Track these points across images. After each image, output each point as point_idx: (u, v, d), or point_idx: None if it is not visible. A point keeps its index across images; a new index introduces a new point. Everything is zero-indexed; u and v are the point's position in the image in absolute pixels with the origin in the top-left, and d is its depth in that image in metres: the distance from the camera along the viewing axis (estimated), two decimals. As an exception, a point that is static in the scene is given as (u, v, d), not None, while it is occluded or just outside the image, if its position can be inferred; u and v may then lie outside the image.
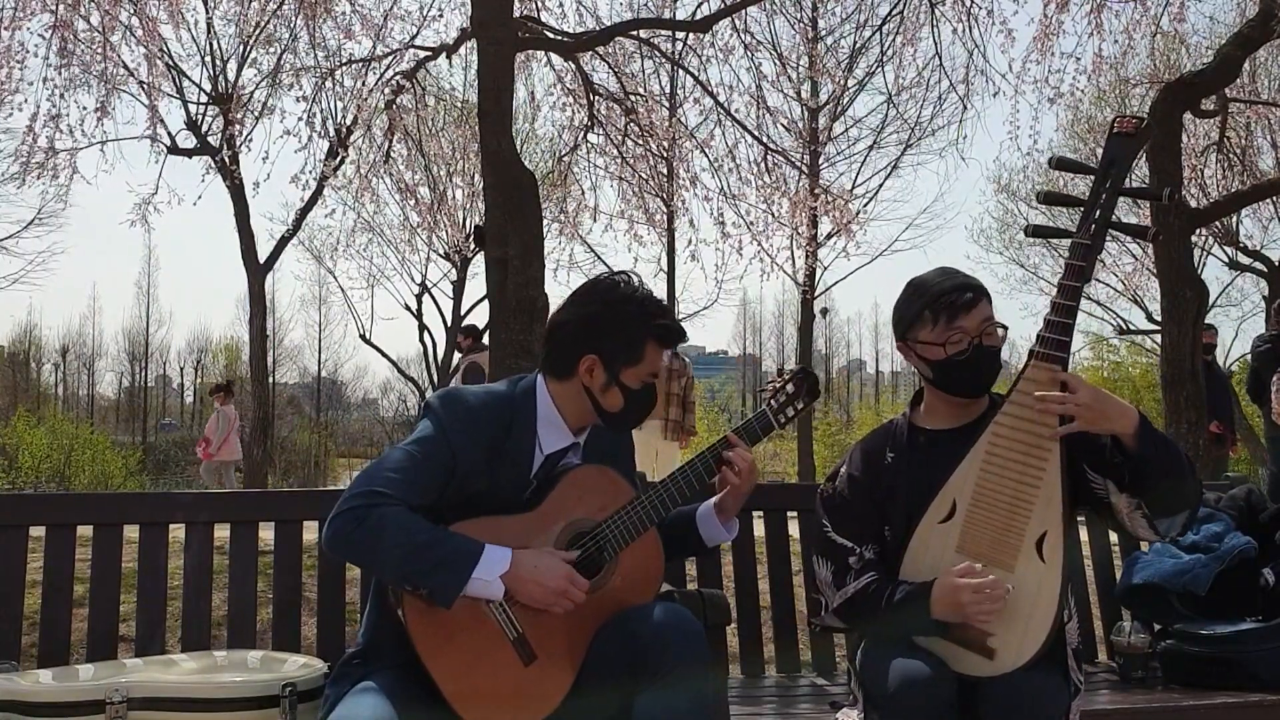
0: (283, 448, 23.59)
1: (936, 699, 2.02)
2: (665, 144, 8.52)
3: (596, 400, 2.13)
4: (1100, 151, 2.22)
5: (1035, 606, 2.09)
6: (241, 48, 13.66)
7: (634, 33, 7.87)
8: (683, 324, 2.25)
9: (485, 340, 9.65)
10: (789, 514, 3.18)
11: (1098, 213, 2.14)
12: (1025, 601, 2.09)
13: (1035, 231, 2.30)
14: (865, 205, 18.21)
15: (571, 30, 8.11)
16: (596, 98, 8.06)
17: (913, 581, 2.17)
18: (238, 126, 9.95)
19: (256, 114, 10.86)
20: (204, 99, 14.83)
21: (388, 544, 1.89)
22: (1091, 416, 2.06)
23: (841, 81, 15.89)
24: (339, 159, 8.64)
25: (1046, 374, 2.11)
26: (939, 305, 2.21)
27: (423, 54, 8.36)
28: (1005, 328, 2.26)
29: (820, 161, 15.96)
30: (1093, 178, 2.19)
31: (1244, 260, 18.44)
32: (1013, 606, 2.09)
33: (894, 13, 8.80)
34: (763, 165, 8.41)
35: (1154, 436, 2.09)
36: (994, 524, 2.13)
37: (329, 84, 8.47)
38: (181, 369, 39.67)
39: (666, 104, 9.32)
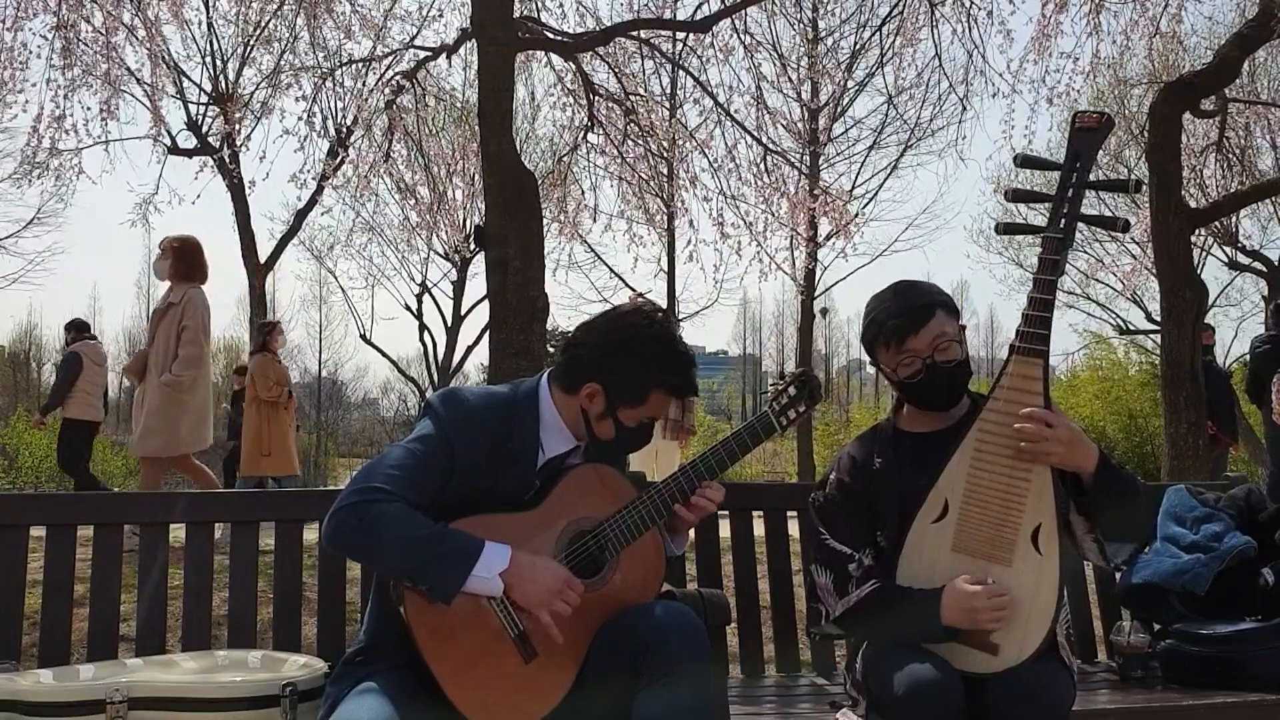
0: (282, 448, 23.54)
1: (945, 702, 2.03)
2: (665, 144, 8.52)
3: (590, 424, 2.13)
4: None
5: (1036, 600, 2.10)
6: (241, 48, 13.70)
7: (634, 33, 7.87)
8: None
9: (91, 332, 9.03)
10: (789, 514, 3.18)
11: (1066, 207, 2.18)
12: (1025, 596, 2.10)
13: (1006, 229, 2.34)
14: (865, 206, 18.23)
15: (571, 30, 8.12)
16: (596, 98, 8.06)
17: (917, 588, 2.17)
18: (238, 126, 9.95)
19: (256, 114, 10.87)
20: (204, 99, 14.85)
21: (388, 539, 1.90)
22: (1066, 455, 2.11)
23: (841, 82, 15.89)
24: (339, 159, 8.64)
25: (1029, 367, 2.14)
26: (887, 331, 2.26)
27: (423, 54, 8.37)
28: (963, 329, 2.29)
29: (820, 162, 15.96)
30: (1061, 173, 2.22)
31: (1243, 260, 18.47)
32: (1013, 601, 2.10)
33: (894, 14, 8.81)
34: (762, 166, 8.41)
35: (1112, 477, 2.15)
36: (988, 520, 2.14)
37: (329, 84, 8.47)
38: (181, 369, 39.56)
39: (666, 104, 9.32)
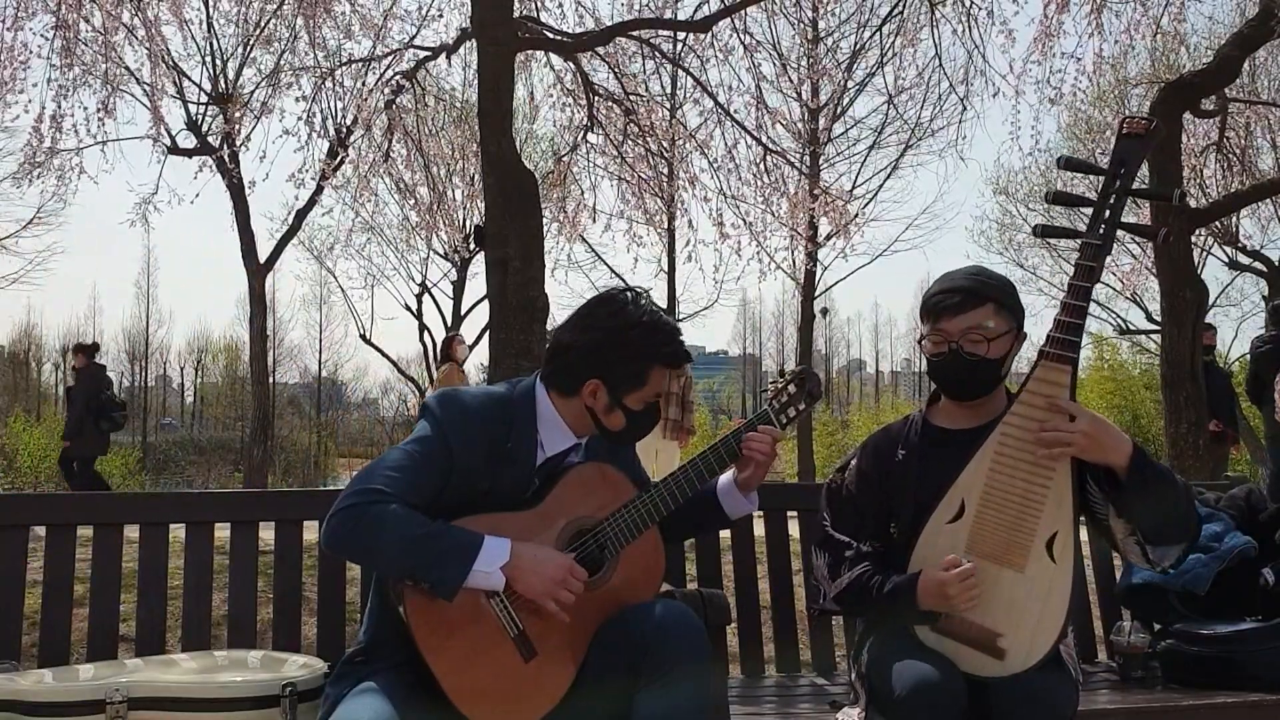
0: (283, 448, 23.55)
1: (947, 703, 2.03)
2: (665, 144, 8.52)
3: (599, 419, 2.14)
4: (1099, 152, 2.24)
5: (1046, 607, 2.09)
6: (241, 48, 13.69)
7: (634, 33, 7.87)
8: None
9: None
10: (789, 514, 3.18)
11: (1107, 213, 2.15)
12: (1036, 602, 2.10)
13: (1044, 232, 2.29)
14: (865, 206, 18.18)
15: (571, 30, 8.12)
16: (596, 98, 8.06)
17: (895, 574, 2.18)
18: (237, 126, 9.96)
19: (256, 114, 10.86)
20: (204, 99, 14.83)
21: (387, 539, 1.90)
22: (1088, 445, 2.08)
23: (841, 82, 15.89)
24: (339, 159, 8.64)
25: (1057, 373, 2.11)
26: (927, 306, 2.27)
27: (422, 54, 8.37)
28: (1020, 336, 2.25)
29: (820, 162, 15.96)
30: (1098, 178, 2.19)
31: (1244, 260, 18.45)
32: (1023, 607, 2.09)
33: (894, 14, 8.82)
34: (762, 166, 8.42)
35: (1149, 470, 2.10)
36: (1004, 524, 2.13)
37: (329, 84, 8.48)
38: (181, 369, 39.64)
39: (666, 104, 9.32)
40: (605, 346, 2.10)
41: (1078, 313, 2.12)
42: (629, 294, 2.16)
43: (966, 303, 2.21)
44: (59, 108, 7.36)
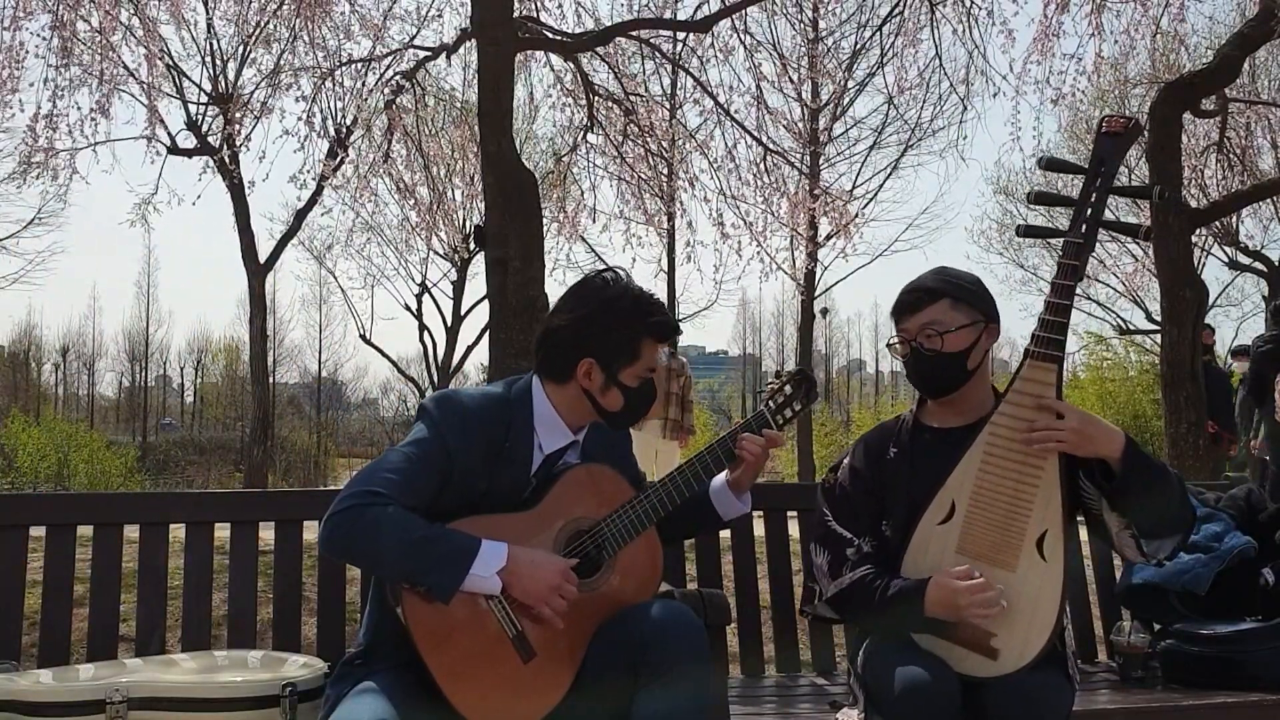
0: (283, 448, 23.53)
1: (941, 704, 2.02)
2: (665, 144, 8.53)
3: (596, 401, 2.13)
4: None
5: (1037, 606, 2.09)
6: (241, 48, 13.68)
7: (634, 33, 7.87)
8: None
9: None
10: (789, 514, 3.18)
11: (1089, 211, 2.16)
12: (1027, 601, 2.09)
13: (1027, 231, 2.31)
14: (865, 206, 18.18)
15: (571, 30, 8.12)
16: (596, 98, 8.06)
17: (908, 577, 2.18)
18: (237, 126, 9.95)
19: (256, 114, 10.86)
20: (204, 99, 14.83)
21: (385, 542, 1.89)
22: (1078, 441, 2.09)
23: (842, 82, 15.88)
24: (338, 159, 8.64)
25: (1043, 372, 2.12)
26: (894, 308, 2.30)
27: (422, 54, 8.37)
28: (987, 327, 2.24)
29: (820, 162, 15.94)
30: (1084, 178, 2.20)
31: (1244, 260, 18.47)
32: (1015, 607, 2.09)
33: (894, 14, 8.81)
34: (762, 166, 8.42)
35: (1142, 461, 2.10)
36: (994, 524, 2.13)
37: (328, 84, 8.47)
38: (181, 369, 39.63)
39: (666, 104, 9.32)
40: (594, 320, 2.11)
41: (1062, 311, 2.13)
42: (611, 273, 2.18)
43: (921, 300, 2.24)
44: (55, 107, 7.36)
